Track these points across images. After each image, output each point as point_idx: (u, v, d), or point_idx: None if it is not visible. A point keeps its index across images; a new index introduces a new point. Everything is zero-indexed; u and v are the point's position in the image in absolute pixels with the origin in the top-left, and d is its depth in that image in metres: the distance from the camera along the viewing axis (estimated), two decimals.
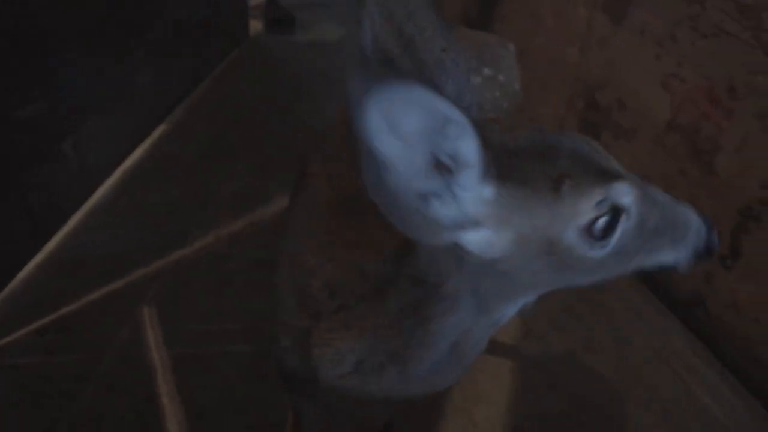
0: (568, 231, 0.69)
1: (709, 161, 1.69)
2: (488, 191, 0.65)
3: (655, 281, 1.89)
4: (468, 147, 0.60)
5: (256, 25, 3.34)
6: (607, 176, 0.70)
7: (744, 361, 1.69)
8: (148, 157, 2.39)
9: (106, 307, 1.76)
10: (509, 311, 0.81)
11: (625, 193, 0.70)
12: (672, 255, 0.79)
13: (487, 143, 0.62)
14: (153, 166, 2.34)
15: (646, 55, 1.82)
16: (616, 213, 0.70)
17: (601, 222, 0.69)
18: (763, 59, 1.54)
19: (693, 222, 0.79)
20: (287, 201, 2.09)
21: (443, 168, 0.61)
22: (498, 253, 0.69)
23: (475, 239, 0.68)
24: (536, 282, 0.76)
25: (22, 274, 1.84)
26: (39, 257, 1.90)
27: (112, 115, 2.20)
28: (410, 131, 0.56)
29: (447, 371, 0.90)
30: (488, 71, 1.24)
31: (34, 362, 1.61)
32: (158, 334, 1.70)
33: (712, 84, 1.67)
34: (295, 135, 2.51)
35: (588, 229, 0.69)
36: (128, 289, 1.82)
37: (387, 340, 0.83)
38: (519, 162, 0.67)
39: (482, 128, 0.61)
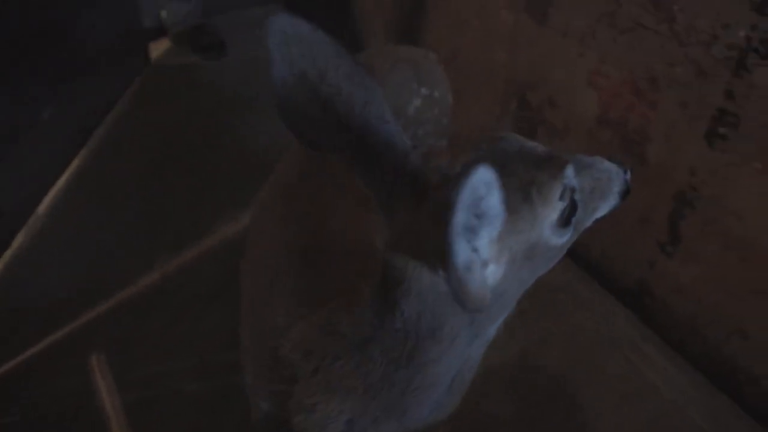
0: (544, 230, 0.73)
1: (640, 153, 1.74)
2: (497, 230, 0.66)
3: (601, 273, 1.93)
4: (494, 200, 0.61)
5: (177, 49, 3.25)
6: (554, 165, 0.74)
7: (690, 341, 1.74)
8: (68, 196, 2.30)
9: (52, 360, 1.70)
10: (498, 324, 0.84)
11: (572, 175, 0.75)
12: (606, 207, 0.84)
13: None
14: (77, 206, 2.25)
15: (571, 54, 1.86)
16: (571, 195, 0.75)
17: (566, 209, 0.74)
18: (679, 50, 1.59)
19: (612, 171, 0.84)
20: (231, 230, 2.10)
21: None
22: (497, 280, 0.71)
23: (483, 278, 0.68)
24: (521, 288, 0.79)
25: None
26: None
27: (19, 155, 2.10)
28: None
29: (448, 403, 0.90)
30: (425, 90, 1.24)
31: None
32: (109, 381, 1.65)
33: (635, 77, 1.72)
34: (229, 160, 2.46)
35: (558, 221, 0.74)
36: (73, 337, 1.76)
37: (380, 394, 0.80)
38: None
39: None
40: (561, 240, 0.76)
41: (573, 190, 0.75)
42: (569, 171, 0.74)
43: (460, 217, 0.56)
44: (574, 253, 1.91)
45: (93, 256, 2.04)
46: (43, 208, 2.23)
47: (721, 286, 1.65)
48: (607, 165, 0.83)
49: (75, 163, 2.45)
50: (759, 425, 1.58)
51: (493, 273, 0.69)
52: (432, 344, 0.74)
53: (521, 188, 0.70)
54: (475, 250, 0.64)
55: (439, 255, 0.64)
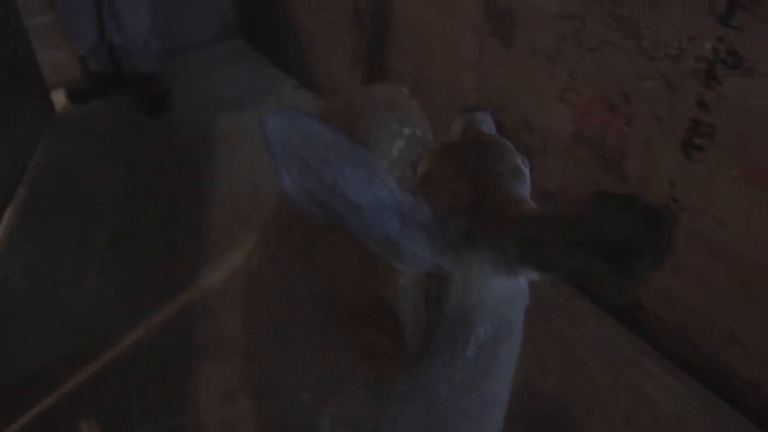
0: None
1: (619, 168, 1.75)
2: None
3: (592, 289, 1.93)
4: None
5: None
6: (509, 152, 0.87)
7: (686, 351, 1.74)
8: (14, 258, 2.22)
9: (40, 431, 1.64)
10: None
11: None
12: None
13: None
14: (31, 266, 2.17)
15: (540, 74, 1.87)
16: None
17: None
18: (648, 65, 1.60)
19: (488, 118, 0.98)
20: (214, 279, 2.06)
21: None
22: None
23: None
24: None
25: None
26: None
27: None
28: None
29: None
30: (407, 130, 1.23)
31: None
32: None
33: (606, 94, 1.73)
34: (199, 206, 2.40)
35: None
36: (60, 405, 1.70)
37: (457, 425, 0.80)
38: None
39: None
40: None
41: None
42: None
43: None
44: None
45: (68, 318, 1.97)
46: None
47: (709, 294, 1.66)
48: (483, 115, 0.96)
49: (11, 223, 2.36)
50: None
51: None
52: (505, 347, 0.75)
53: (515, 177, 0.78)
54: None
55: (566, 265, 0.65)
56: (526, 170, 0.83)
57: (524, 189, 0.79)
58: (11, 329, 1.95)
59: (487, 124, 0.94)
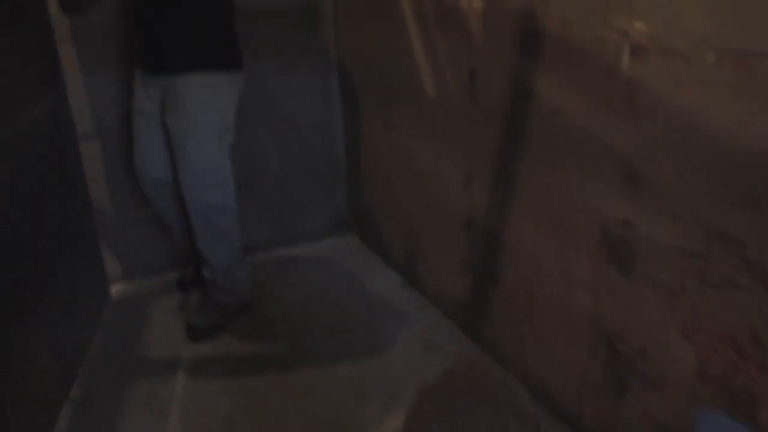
0: None
1: (749, 413, 1.65)
2: None
3: None
4: None
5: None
6: None
7: None
8: None
9: None
10: None
11: None
12: None
13: None
14: None
15: (661, 306, 1.86)
16: None
17: None
18: None
19: None
20: None
21: None
22: None
23: None
24: None
25: None
26: None
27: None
28: None
29: None
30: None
31: None
32: None
33: (734, 334, 1.68)
34: (291, 402, 2.40)
35: None
36: None
37: None
38: None
39: None
40: None
41: None
42: None
43: None
44: None
45: None
46: None
47: None
48: None
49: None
50: None
51: None
52: None
53: None
54: None
55: None
56: None
57: None
58: None
59: None
